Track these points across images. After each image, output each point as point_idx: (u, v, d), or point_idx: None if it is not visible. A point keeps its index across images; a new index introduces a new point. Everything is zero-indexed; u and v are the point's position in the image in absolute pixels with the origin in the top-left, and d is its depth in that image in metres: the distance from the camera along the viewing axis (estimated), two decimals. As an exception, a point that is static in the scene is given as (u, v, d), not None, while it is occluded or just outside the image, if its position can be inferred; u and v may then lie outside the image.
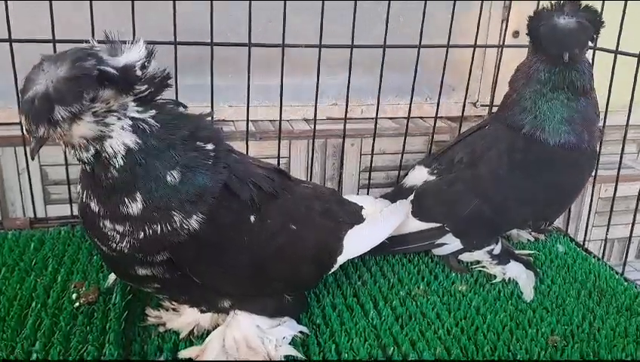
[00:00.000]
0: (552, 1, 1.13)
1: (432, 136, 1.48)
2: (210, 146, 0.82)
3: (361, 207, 1.14)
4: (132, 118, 0.74)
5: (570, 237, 1.44)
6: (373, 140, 1.42)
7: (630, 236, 1.32)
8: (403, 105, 1.48)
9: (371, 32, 1.32)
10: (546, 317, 1.08)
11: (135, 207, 0.76)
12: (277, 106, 1.32)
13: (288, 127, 1.43)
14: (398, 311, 1.07)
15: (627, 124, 1.29)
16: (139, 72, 0.71)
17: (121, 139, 0.73)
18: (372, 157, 1.43)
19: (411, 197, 1.26)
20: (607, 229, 1.39)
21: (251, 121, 1.36)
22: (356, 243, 1.05)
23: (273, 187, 0.90)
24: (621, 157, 1.34)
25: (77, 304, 0.98)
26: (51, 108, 0.65)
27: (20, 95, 0.67)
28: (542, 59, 1.16)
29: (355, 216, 1.10)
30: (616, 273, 1.29)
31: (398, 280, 1.19)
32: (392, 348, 0.96)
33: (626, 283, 1.23)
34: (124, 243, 0.78)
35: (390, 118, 1.54)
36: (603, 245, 1.42)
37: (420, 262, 1.27)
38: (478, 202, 1.19)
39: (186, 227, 0.78)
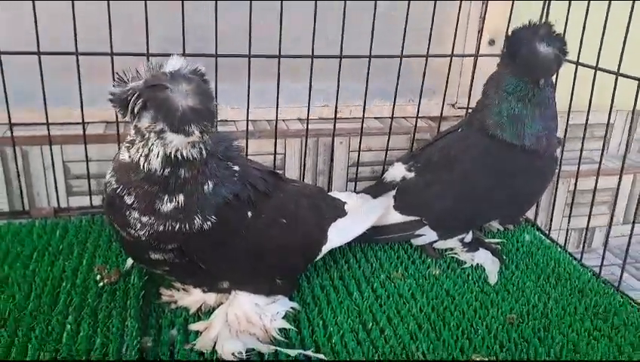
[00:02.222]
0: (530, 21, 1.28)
1: (414, 135, 1.63)
2: (236, 168, 0.98)
3: (344, 203, 1.29)
4: None
5: (537, 226, 1.60)
6: (360, 138, 1.57)
7: (587, 226, 1.48)
8: (388, 107, 1.62)
9: (361, 37, 1.45)
10: (506, 298, 1.24)
11: (169, 205, 0.90)
12: (274, 108, 1.46)
13: (284, 127, 1.57)
14: (378, 291, 1.23)
15: (585, 128, 1.45)
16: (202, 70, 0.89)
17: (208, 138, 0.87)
18: (359, 153, 1.59)
19: (394, 192, 1.42)
20: (569, 220, 1.55)
21: (250, 121, 1.51)
22: (339, 234, 1.21)
23: (266, 187, 1.05)
24: (580, 154, 1.49)
25: (101, 284, 1.14)
26: (209, 108, 0.82)
27: (166, 114, 0.80)
28: (513, 73, 1.30)
29: (338, 210, 1.25)
30: (575, 259, 1.45)
31: (379, 265, 1.34)
32: (371, 324, 1.12)
33: (581, 269, 1.39)
34: (143, 231, 0.91)
35: (376, 118, 1.68)
36: (565, 234, 1.58)
37: (400, 249, 1.42)
38: (453, 202, 1.35)
39: (200, 228, 0.93)
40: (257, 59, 1.39)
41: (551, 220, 1.63)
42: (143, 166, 0.88)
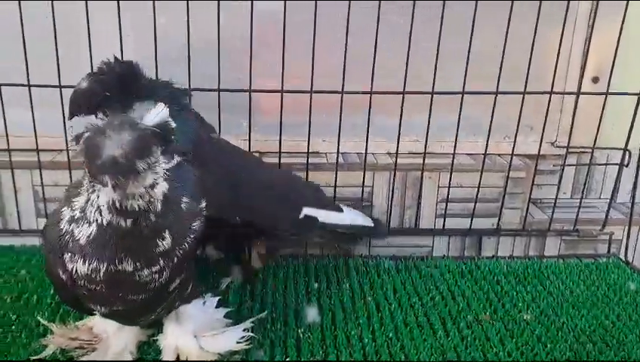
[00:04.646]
0: None
1: (508, 173, 1.58)
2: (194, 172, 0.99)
3: None
4: (163, 168, 0.84)
5: (644, 275, 1.48)
6: (450, 174, 1.55)
7: None
8: (481, 143, 1.59)
9: (455, 73, 1.46)
10: (604, 350, 1.15)
11: (166, 242, 0.87)
12: (364, 141, 1.50)
13: (373, 160, 1.59)
14: (464, 332, 1.20)
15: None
16: (172, 126, 0.85)
17: (161, 185, 0.83)
18: (449, 189, 1.57)
19: None
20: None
21: (341, 153, 1.55)
22: None
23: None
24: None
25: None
26: (134, 163, 0.77)
27: (89, 160, 0.76)
28: None
29: None
30: (688, 315, 1.32)
31: (467, 305, 1.30)
32: (455, 365, 1.10)
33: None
34: (163, 276, 0.90)
35: (468, 154, 1.65)
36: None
37: (490, 290, 1.37)
38: None
39: (197, 229, 0.94)
40: (352, 95, 1.44)
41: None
42: (107, 221, 0.82)
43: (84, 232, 0.84)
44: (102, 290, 0.88)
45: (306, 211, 1.32)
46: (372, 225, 1.48)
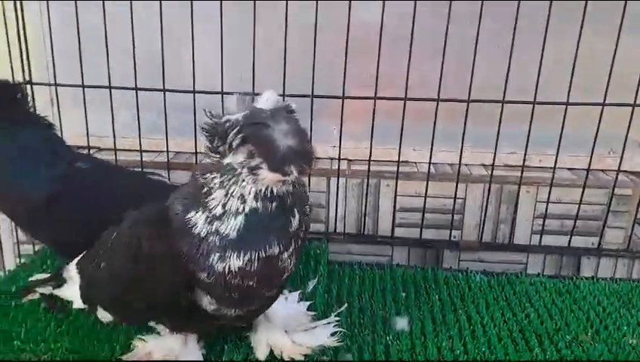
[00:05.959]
0: None
1: (613, 190, 1.49)
2: None
3: None
4: None
5: None
6: (550, 189, 1.49)
7: None
8: (583, 158, 1.52)
9: (559, 82, 1.40)
10: None
11: (296, 220, 0.87)
12: (456, 151, 1.47)
13: (466, 171, 1.56)
14: (563, 352, 1.13)
15: None
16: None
17: None
18: (547, 205, 1.50)
19: None
20: None
21: (432, 163, 1.53)
22: None
23: None
24: None
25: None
26: (307, 149, 0.79)
27: (266, 152, 0.78)
28: None
29: None
30: None
31: (565, 324, 1.23)
32: (555, 385, 1.04)
33: None
34: (292, 262, 0.89)
35: (568, 169, 1.58)
36: None
37: (590, 310, 1.30)
38: None
39: (308, 209, 0.95)
40: (446, 103, 1.42)
41: None
42: (252, 209, 0.83)
43: (232, 225, 0.83)
44: (253, 286, 0.86)
45: None
46: None
